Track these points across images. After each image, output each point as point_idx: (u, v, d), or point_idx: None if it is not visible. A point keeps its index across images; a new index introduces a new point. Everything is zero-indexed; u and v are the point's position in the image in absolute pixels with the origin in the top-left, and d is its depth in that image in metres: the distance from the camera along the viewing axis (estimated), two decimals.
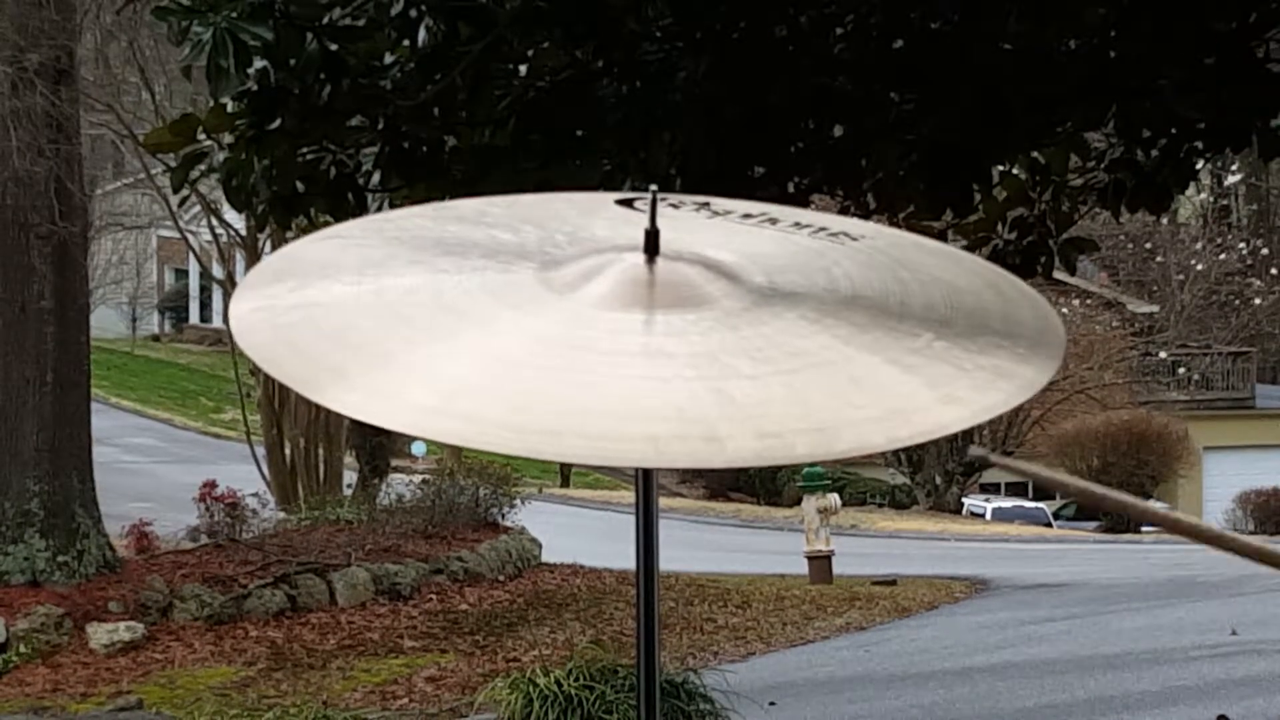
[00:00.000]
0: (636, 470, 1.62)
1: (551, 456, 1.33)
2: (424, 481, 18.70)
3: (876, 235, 1.62)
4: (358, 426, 19.15)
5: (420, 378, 1.34)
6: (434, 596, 15.71)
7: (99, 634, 13.59)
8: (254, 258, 22.02)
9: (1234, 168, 38.38)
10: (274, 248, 20.76)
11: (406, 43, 4.98)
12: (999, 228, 6.27)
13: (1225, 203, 46.54)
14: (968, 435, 32.91)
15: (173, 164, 5.40)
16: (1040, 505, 33.92)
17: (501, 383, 1.33)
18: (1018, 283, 1.58)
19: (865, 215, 5.71)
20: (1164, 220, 34.95)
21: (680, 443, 1.28)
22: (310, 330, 1.41)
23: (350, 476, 21.60)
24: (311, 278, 1.48)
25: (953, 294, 1.50)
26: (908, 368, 1.37)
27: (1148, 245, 40.21)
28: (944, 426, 1.34)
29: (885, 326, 1.41)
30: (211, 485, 16.02)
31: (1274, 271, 40.18)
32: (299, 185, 5.18)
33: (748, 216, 1.61)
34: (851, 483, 32.15)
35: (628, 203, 1.61)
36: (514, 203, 1.67)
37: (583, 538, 21.30)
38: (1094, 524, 32.14)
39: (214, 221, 22.78)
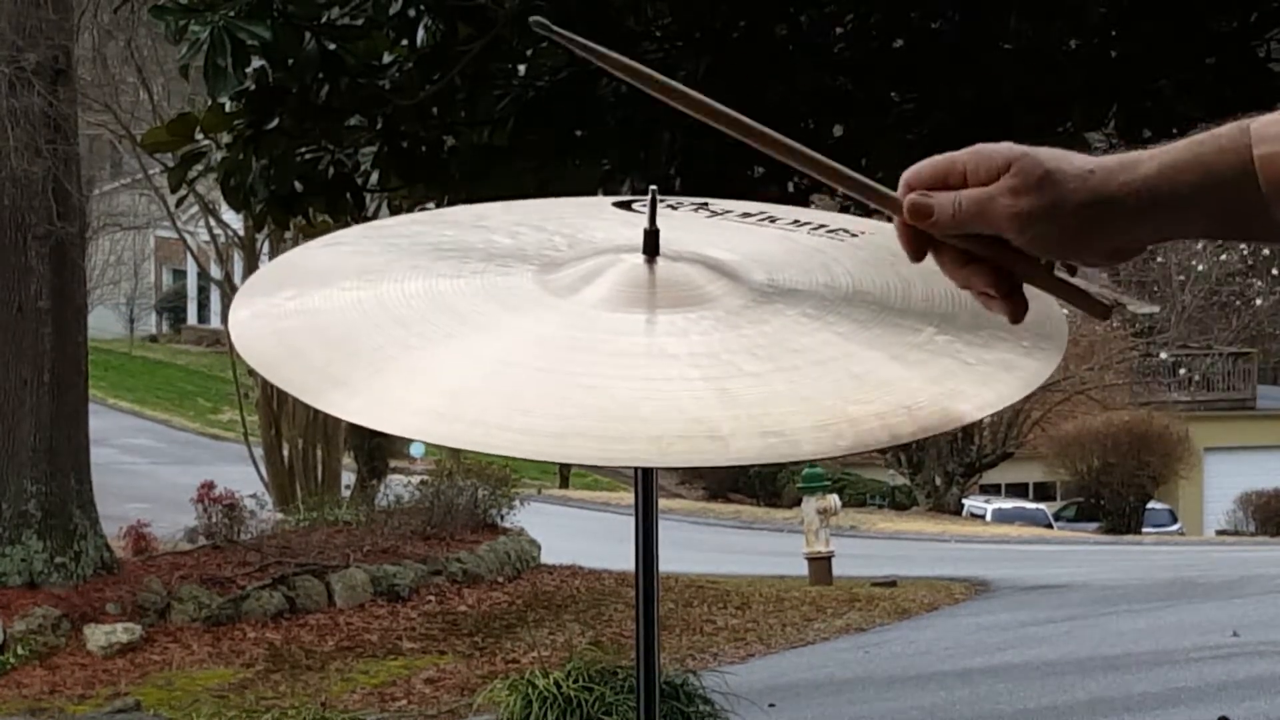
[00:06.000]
0: (635, 470, 1.61)
1: (555, 458, 1.33)
2: (422, 483, 18.71)
3: (876, 231, 1.61)
4: (356, 428, 19.16)
5: (422, 382, 1.34)
6: (432, 598, 15.71)
7: (96, 635, 13.58)
8: (252, 258, 22.05)
9: None
10: (272, 248, 20.80)
11: (405, 42, 4.97)
12: None
13: None
14: (969, 433, 32.94)
15: (170, 164, 5.39)
16: (1040, 506, 33.96)
17: (503, 385, 1.33)
18: None
19: (865, 215, 5.69)
20: None
21: (684, 442, 1.28)
22: (311, 337, 1.41)
23: (348, 477, 21.61)
24: (311, 285, 1.48)
25: (955, 287, 1.49)
26: (910, 363, 1.37)
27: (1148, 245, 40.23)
28: (947, 421, 1.33)
29: (887, 322, 1.41)
30: (209, 486, 16.02)
31: (1275, 272, 40.19)
32: (297, 185, 5.17)
33: (747, 216, 1.61)
34: (851, 484, 32.17)
35: (626, 205, 1.61)
36: (511, 208, 1.67)
37: (582, 539, 21.30)
38: (1094, 525, 32.18)
39: (212, 222, 22.81)
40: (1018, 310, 1.27)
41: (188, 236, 25.86)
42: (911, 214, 1.23)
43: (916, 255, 1.26)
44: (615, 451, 1.28)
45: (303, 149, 5.12)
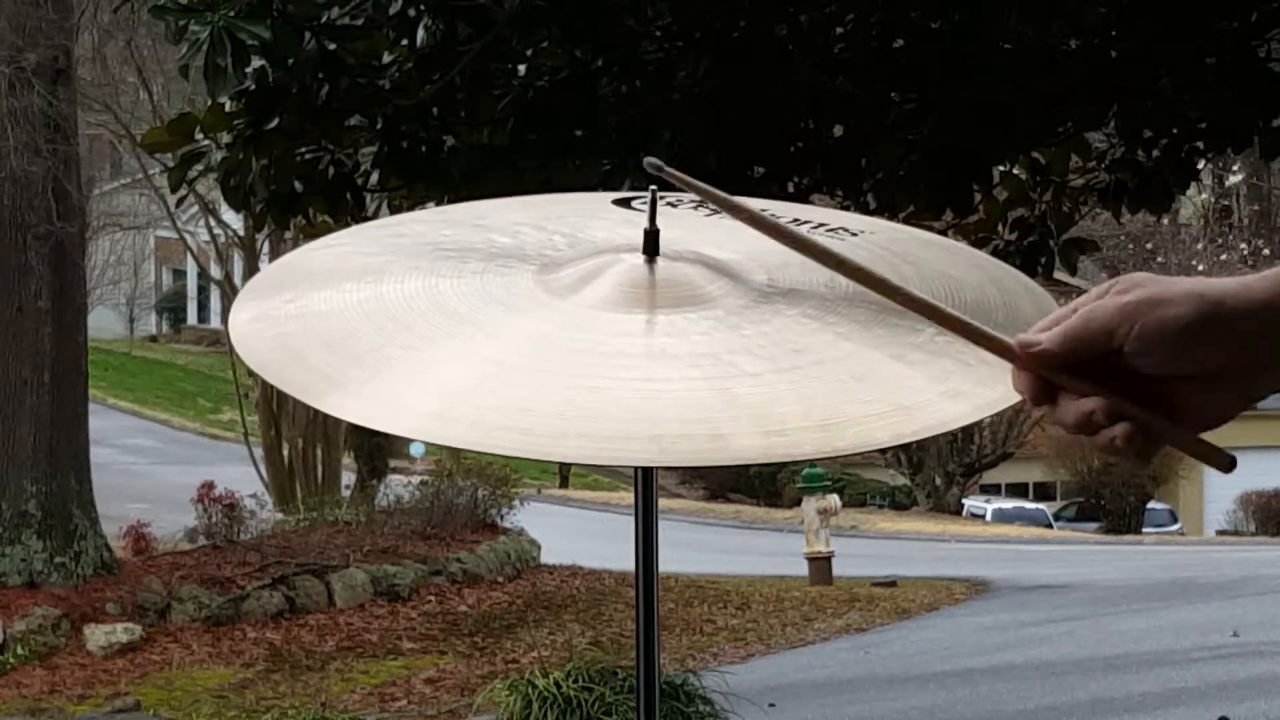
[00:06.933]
0: (635, 470, 1.60)
1: (556, 458, 1.33)
2: (422, 483, 18.70)
3: (876, 230, 1.61)
4: (356, 428, 19.17)
5: (422, 382, 1.34)
6: (432, 598, 15.71)
7: (96, 635, 13.58)
8: (252, 258, 22.05)
9: (1235, 168, 38.41)
10: (272, 248, 20.81)
11: (405, 42, 4.96)
12: (999, 228, 6.26)
13: (1226, 203, 46.58)
14: (969, 433, 32.93)
15: (170, 164, 5.39)
16: (1041, 506, 33.95)
17: (503, 385, 1.33)
18: (1017, 275, 1.58)
19: (865, 215, 5.68)
20: (1165, 220, 34.97)
21: (685, 441, 1.28)
22: (311, 338, 1.41)
23: (348, 477, 21.60)
24: (311, 287, 1.48)
25: (954, 288, 1.49)
26: (911, 363, 1.36)
27: (1149, 245, 40.24)
28: (948, 421, 1.33)
29: (887, 322, 1.41)
30: (209, 486, 16.02)
31: None
32: (297, 185, 5.16)
33: None
34: (851, 483, 32.15)
35: (625, 203, 1.61)
36: (510, 206, 1.67)
37: (582, 539, 21.30)
38: (1095, 525, 32.18)
39: (212, 222, 22.81)
40: (1145, 446, 1.21)
41: (188, 236, 25.86)
42: (1020, 346, 1.21)
43: (1037, 398, 1.23)
44: (615, 451, 1.27)
45: (303, 149, 5.11)
